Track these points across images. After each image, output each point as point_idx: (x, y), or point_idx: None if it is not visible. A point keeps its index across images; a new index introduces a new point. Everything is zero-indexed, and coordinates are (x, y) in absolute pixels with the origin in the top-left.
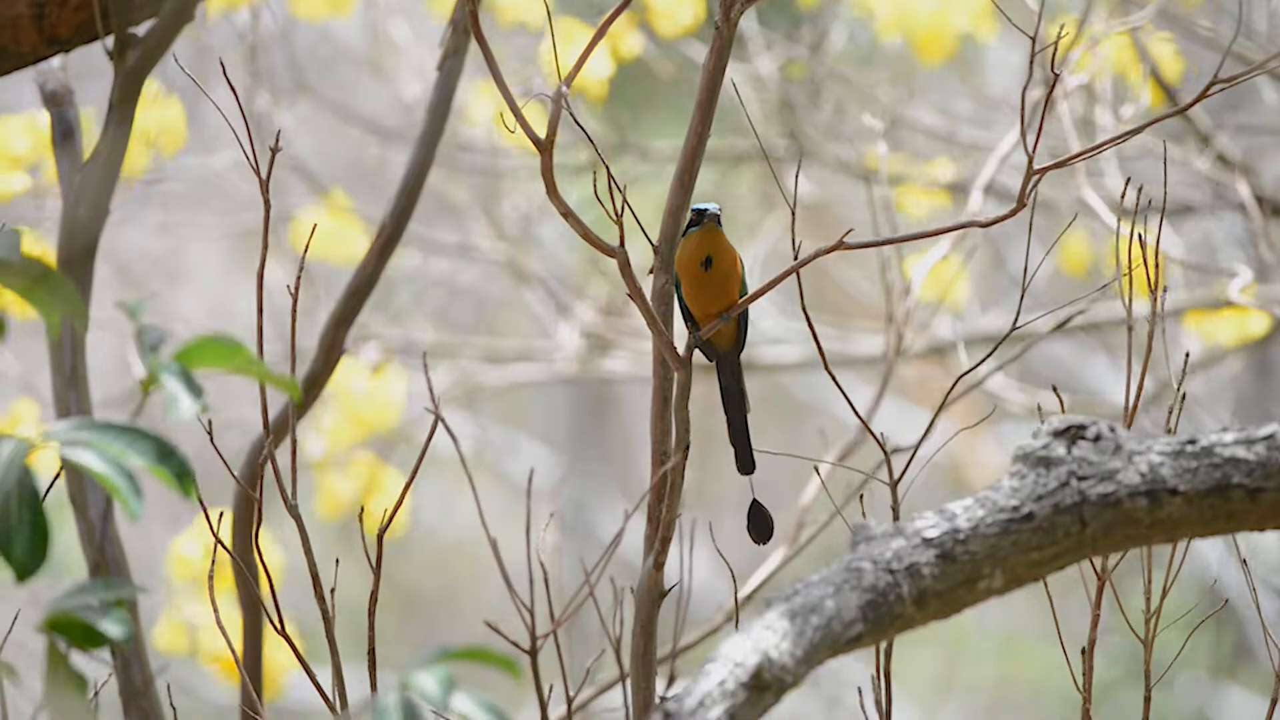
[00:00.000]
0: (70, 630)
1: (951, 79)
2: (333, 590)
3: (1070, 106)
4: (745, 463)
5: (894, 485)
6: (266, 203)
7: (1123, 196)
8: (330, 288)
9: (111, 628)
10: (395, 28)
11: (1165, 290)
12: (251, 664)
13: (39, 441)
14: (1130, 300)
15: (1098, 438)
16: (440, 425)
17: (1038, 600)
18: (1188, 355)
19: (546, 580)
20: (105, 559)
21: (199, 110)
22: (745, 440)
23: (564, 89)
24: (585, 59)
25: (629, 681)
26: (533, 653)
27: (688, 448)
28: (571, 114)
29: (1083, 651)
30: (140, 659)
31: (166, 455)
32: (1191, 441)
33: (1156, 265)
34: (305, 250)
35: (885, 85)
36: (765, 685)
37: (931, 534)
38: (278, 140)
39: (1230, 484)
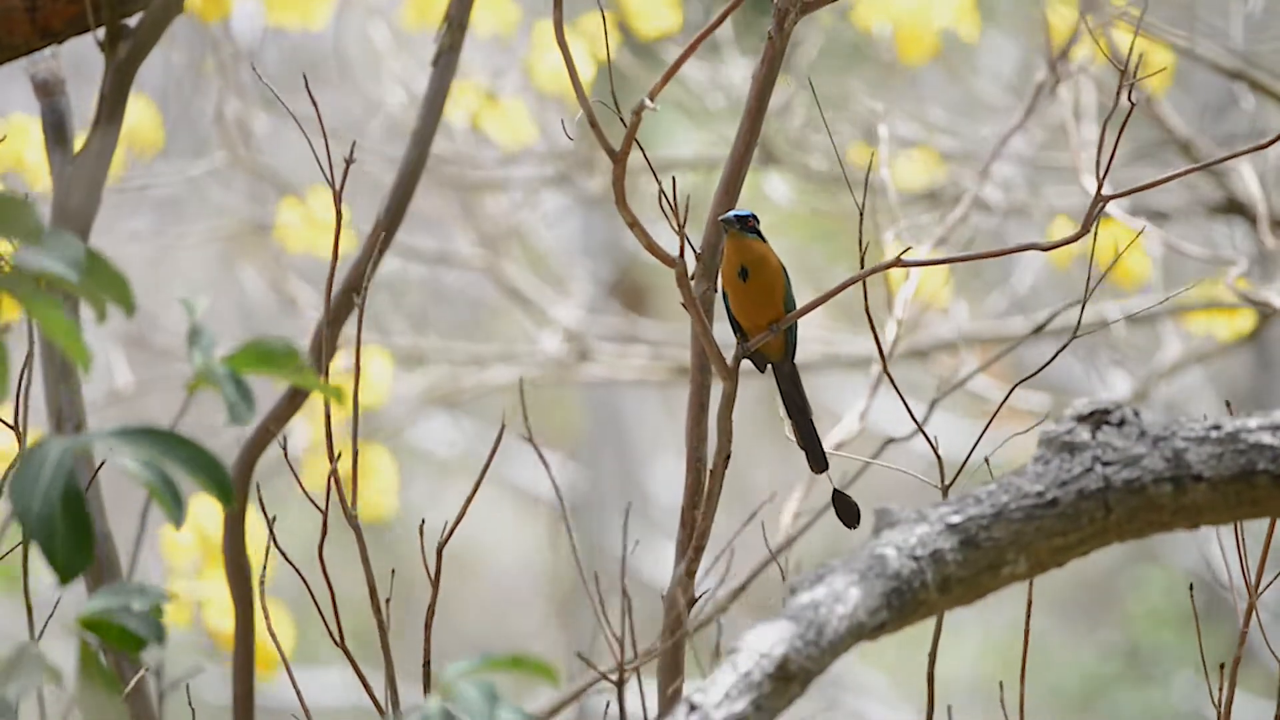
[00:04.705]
0: (105, 631)
1: (938, 82)
2: (388, 601)
3: (1071, 101)
4: (818, 461)
5: (945, 489)
6: (338, 213)
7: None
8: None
9: (146, 630)
10: (376, 33)
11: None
12: (243, 657)
13: (81, 446)
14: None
15: (1122, 422)
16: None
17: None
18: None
19: (629, 604)
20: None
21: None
22: (814, 440)
23: (647, 102)
24: (676, 68)
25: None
26: (620, 684)
27: (729, 457)
28: (622, 119)
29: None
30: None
31: (206, 465)
32: (1216, 427)
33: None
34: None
35: (865, 89)
36: (791, 675)
37: (955, 519)
38: (352, 151)
39: (1255, 470)
